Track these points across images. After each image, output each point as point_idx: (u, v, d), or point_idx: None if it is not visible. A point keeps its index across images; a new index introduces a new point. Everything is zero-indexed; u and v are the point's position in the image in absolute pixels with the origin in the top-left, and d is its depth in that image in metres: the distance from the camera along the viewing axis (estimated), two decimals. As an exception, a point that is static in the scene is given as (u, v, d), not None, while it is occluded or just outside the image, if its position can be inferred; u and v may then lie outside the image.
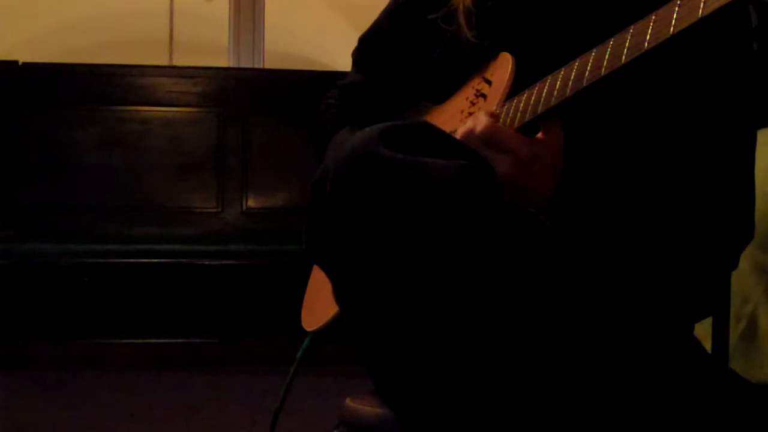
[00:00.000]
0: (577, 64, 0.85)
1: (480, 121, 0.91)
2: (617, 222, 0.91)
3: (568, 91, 0.85)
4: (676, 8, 0.74)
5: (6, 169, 3.26)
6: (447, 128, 1.02)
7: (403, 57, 1.19)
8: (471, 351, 0.77)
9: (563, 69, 0.87)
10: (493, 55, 1.05)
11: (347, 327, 0.90)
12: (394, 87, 1.22)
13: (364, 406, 0.96)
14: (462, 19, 1.07)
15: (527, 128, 0.92)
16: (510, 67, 1.00)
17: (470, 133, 0.91)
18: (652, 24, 0.76)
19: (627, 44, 0.79)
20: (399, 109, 1.23)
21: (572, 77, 0.85)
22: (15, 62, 3.34)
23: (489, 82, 1.04)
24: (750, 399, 0.93)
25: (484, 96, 1.04)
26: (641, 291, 0.85)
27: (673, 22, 0.73)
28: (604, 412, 0.77)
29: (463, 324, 0.76)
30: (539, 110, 0.89)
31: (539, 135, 0.91)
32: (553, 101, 0.87)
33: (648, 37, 0.76)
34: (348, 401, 0.99)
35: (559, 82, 0.87)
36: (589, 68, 0.83)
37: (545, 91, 0.89)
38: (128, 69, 3.42)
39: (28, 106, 3.32)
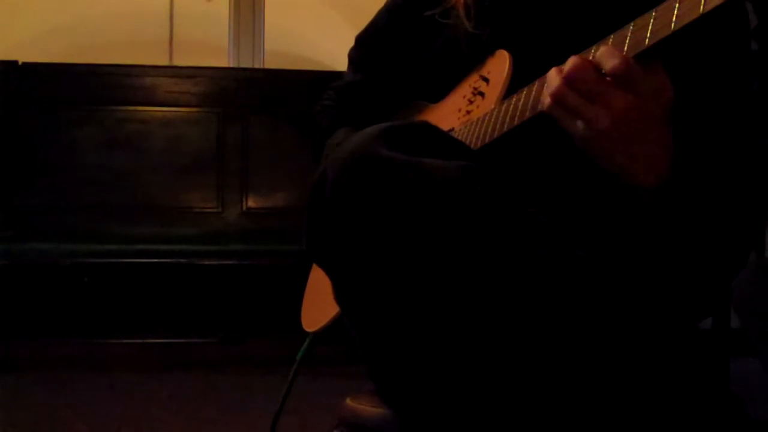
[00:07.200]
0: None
1: (611, 56, 0.78)
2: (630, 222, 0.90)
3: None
4: (677, 4, 0.73)
5: (6, 169, 3.26)
6: (444, 126, 1.02)
7: (400, 55, 1.19)
8: (471, 350, 0.77)
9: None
10: (489, 52, 1.04)
11: (347, 327, 0.90)
12: (391, 85, 1.22)
13: (364, 406, 0.96)
14: (461, 12, 1.06)
15: None
16: (507, 64, 1.00)
17: (588, 68, 0.80)
18: (652, 20, 0.76)
19: (627, 41, 0.78)
20: (395, 107, 1.23)
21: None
22: (15, 62, 3.33)
23: (486, 80, 1.03)
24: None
25: (482, 94, 1.04)
26: (641, 291, 0.85)
27: (674, 18, 0.73)
28: (605, 411, 0.77)
29: (463, 323, 0.76)
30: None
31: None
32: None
33: (648, 33, 0.76)
34: (348, 401, 0.99)
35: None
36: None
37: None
38: (128, 69, 3.41)
39: (28, 106, 3.31)
